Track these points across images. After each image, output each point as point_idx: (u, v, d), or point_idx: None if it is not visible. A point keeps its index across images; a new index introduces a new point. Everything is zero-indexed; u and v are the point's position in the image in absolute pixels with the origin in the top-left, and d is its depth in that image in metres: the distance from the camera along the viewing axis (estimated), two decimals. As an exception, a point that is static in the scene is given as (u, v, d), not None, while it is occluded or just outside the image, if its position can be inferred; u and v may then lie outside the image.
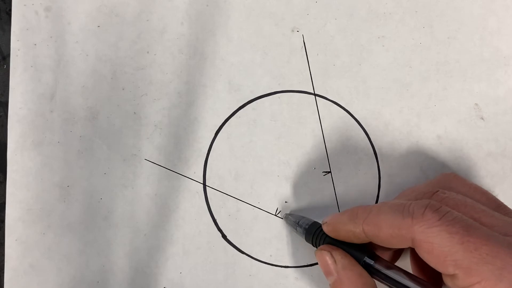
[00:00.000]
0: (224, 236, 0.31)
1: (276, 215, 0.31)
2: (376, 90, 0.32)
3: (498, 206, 0.25)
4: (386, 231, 0.23)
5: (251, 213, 0.31)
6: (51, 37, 0.31)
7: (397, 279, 0.24)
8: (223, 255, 0.31)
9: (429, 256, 0.22)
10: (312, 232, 0.27)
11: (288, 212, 0.31)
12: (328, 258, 0.25)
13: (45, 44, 0.31)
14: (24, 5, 0.31)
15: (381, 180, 0.31)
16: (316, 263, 0.31)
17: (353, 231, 0.25)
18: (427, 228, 0.22)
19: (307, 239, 0.28)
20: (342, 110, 0.32)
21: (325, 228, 0.27)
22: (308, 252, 0.31)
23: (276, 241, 0.31)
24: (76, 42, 0.32)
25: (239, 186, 0.31)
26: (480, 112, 0.32)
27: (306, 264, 0.31)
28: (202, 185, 0.31)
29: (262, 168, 0.31)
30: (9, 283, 0.30)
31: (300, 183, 0.31)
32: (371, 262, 0.25)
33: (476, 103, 0.32)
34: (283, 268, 0.31)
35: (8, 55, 0.31)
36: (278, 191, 0.31)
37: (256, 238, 0.31)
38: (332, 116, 0.32)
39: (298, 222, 0.29)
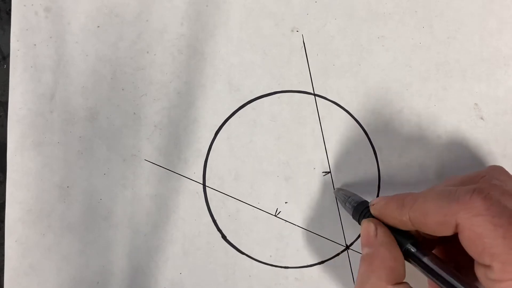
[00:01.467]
0: (224, 237, 0.31)
1: (276, 216, 0.31)
2: (376, 90, 0.32)
3: None
4: (433, 218, 0.23)
5: (251, 214, 0.31)
6: (51, 37, 0.31)
7: (436, 271, 0.23)
8: (223, 256, 0.31)
9: (469, 243, 0.22)
10: (360, 211, 0.27)
11: (339, 187, 0.31)
12: (372, 230, 0.25)
13: (45, 44, 0.31)
14: (24, 5, 0.31)
15: (381, 180, 0.31)
16: (316, 264, 0.31)
17: (399, 218, 0.24)
18: (472, 216, 0.21)
19: (354, 217, 0.28)
20: (342, 110, 0.32)
21: (372, 211, 0.26)
22: (308, 252, 0.31)
23: (276, 241, 0.31)
24: (76, 42, 0.32)
25: (239, 186, 0.31)
26: (480, 112, 0.32)
27: (306, 265, 0.31)
28: (202, 185, 0.31)
29: (262, 168, 0.31)
30: (9, 283, 0.30)
31: (300, 183, 0.31)
32: (414, 250, 0.24)
33: (476, 103, 0.32)
34: (283, 268, 0.31)
35: (8, 55, 0.31)
36: (278, 191, 0.31)
37: (256, 239, 0.31)
38: (332, 116, 0.32)
39: (348, 198, 0.29)
